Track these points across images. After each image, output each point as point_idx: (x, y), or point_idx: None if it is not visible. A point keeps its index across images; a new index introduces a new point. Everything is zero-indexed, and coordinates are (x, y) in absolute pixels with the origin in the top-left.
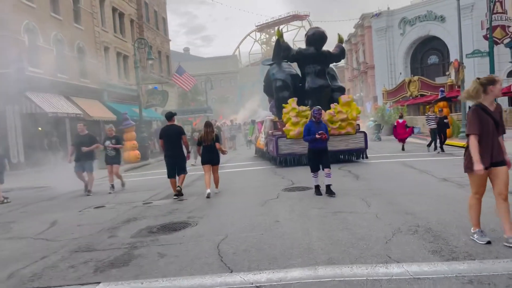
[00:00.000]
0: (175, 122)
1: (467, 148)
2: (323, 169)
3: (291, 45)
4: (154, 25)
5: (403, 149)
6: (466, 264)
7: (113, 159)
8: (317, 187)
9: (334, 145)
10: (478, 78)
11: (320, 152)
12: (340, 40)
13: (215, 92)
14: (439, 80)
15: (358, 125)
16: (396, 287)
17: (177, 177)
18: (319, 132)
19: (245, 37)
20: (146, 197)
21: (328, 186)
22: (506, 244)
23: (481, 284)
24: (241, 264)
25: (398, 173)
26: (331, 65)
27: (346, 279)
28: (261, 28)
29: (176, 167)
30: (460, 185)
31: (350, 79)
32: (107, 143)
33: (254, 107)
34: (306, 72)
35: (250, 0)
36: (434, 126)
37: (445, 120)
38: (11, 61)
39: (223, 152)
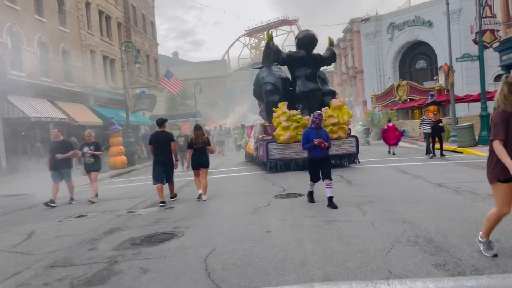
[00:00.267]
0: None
1: (491, 156)
2: (323, 180)
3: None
4: (142, 28)
5: (393, 153)
6: (474, 280)
7: (92, 167)
8: (311, 194)
9: None
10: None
11: (320, 162)
12: (331, 43)
13: (204, 96)
14: (427, 85)
15: (350, 129)
16: None
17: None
18: (318, 139)
19: (234, 42)
20: (130, 205)
21: (330, 199)
22: None
23: None
24: (230, 280)
25: (391, 179)
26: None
27: None
28: (250, 33)
29: (164, 174)
30: (456, 191)
31: (339, 83)
32: (86, 149)
33: (244, 112)
34: (296, 76)
35: (240, 5)
36: (429, 130)
37: (440, 124)
38: None
39: (211, 152)
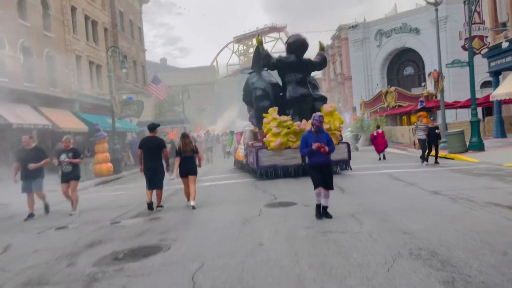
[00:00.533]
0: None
1: None
2: (324, 189)
3: None
4: (129, 34)
5: (383, 158)
6: None
7: (69, 176)
8: (319, 207)
9: None
10: None
11: (320, 168)
12: (322, 48)
13: (193, 102)
14: (415, 91)
15: (341, 135)
16: None
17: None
18: (317, 143)
19: (222, 48)
20: (115, 216)
21: (325, 208)
22: None
23: None
24: None
25: (385, 186)
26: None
27: None
28: (239, 40)
29: (154, 179)
30: (453, 199)
31: (327, 90)
32: (63, 157)
33: (233, 118)
34: (287, 81)
35: (228, 12)
36: (424, 136)
37: (436, 131)
38: None
39: (199, 159)
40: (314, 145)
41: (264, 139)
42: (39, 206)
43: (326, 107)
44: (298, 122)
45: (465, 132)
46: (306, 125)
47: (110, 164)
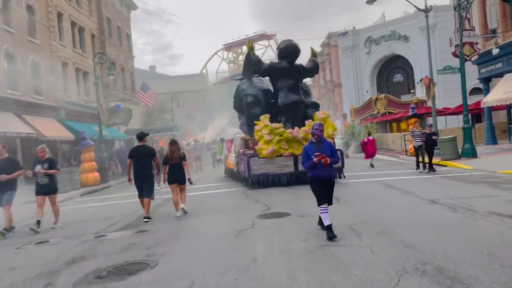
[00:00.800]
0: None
1: None
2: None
3: None
4: (117, 40)
5: (371, 166)
6: None
7: (47, 188)
8: (330, 228)
9: None
10: None
11: (324, 182)
12: (313, 54)
13: (182, 110)
14: (405, 98)
15: (334, 142)
16: None
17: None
18: (316, 153)
19: (212, 56)
20: (100, 228)
21: (321, 220)
22: None
23: None
24: None
25: (381, 195)
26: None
27: None
28: (229, 47)
29: (143, 188)
30: (452, 208)
31: (317, 97)
32: (38, 167)
33: (223, 125)
34: (278, 87)
35: (218, 20)
36: (420, 143)
37: (433, 137)
38: None
39: (187, 168)
40: (315, 158)
41: (256, 147)
42: (21, 218)
43: (318, 114)
44: (291, 130)
45: (459, 139)
46: (299, 132)
47: (96, 174)
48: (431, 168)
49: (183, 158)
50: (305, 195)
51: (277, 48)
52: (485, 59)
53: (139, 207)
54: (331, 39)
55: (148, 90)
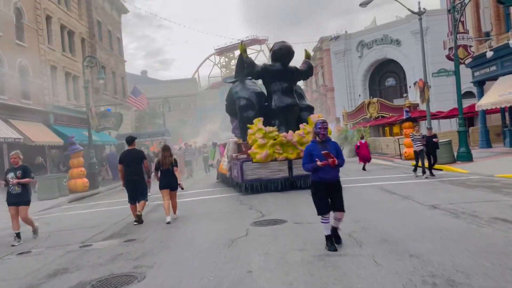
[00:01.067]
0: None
1: None
2: (333, 211)
3: None
4: (108, 44)
5: (363, 169)
6: None
7: (19, 198)
8: (330, 238)
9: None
10: None
11: (329, 187)
12: (307, 56)
13: (174, 115)
14: (397, 102)
15: None
16: None
17: (137, 203)
18: (324, 152)
19: (204, 60)
20: (86, 237)
21: (335, 229)
22: None
23: None
24: None
25: (379, 200)
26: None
27: None
28: (221, 52)
29: (136, 192)
30: (454, 214)
31: (310, 101)
32: (10, 175)
33: (215, 129)
34: (272, 90)
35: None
36: (421, 147)
37: (434, 140)
38: None
39: (178, 174)
40: (319, 163)
41: (249, 151)
42: (4, 226)
43: (313, 117)
44: (285, 133)
45: (454, 143)
46: (293, 136)
47: (85, 179)
48: (431, 172)
49: (174, 164)
50: (300, 201)
51: (270, 50)
52: (479, 62)
53: (128, 214)
54: (323, 43)
55: (139, 94)
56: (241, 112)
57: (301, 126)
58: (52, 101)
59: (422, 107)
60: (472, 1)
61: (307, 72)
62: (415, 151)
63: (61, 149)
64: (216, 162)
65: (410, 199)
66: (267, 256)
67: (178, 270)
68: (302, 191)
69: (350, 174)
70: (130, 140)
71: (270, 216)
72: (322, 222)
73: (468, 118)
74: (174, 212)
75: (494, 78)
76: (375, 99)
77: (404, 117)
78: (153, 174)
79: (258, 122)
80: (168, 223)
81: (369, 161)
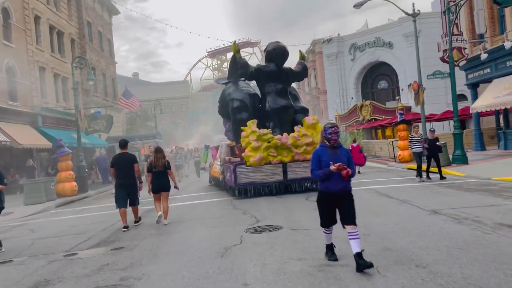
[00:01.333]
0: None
1: None
2: (343, 225)
3: None
4: (98, 46)
5: (358, 172)
6: None
7: None
8: (331, 248)
9: (298, 172)
10: None
11: (337, 199)
12: (302, 57)
13: (166, 117)
14: (389, 105)
15: None
16: None
17: (129, 208)
18: (337, 164)
19: (196, 63)
20: (71, 245)
21: (359, 256)
22: None
23: None
24: None
25: (377, 204)
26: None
27: None
28: (213, 54)
29: (128, 197)
30: (457, 219)
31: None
32: None
33: (207, 132)
34: (266, 91)
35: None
36: (420, 149)
37: (437, 143)
38: None
39: (172, 176)
40: (333, 166)
41: (243, 154)
42: None
43: (308, 120)
44: (279, 136)
45: (449, 146)
46: (288, 138)
47: (74, 183)
48: (427, 175)
49: (167, 166)
50: (295, 205)
51: (264, 50)
52: (473, 64)
53: (117, 219)
54: (316, 46)
55: (130, 96)
56: (234, 114)
57: (296, 128)
58: (40, 103)
59: (415, 109)
60: (466, 3)
61: (302, 73)
62: (415, 153)
63: (50, 152)
64: (208, 165)
65: (408, 203)
66: (264, 266)
67: (168, 282)
68: (296, 195)
69: None
70: (124, 143)
71: (265, 222)
72: (324, 232)
73: (461, 120)
74: (165, 218)
75: (489, 80)
76: (367, 102)
77: (399, 119)
78: (143, 177)
79: (252, 124)
80: (159, 219)
81: (363, 164)
